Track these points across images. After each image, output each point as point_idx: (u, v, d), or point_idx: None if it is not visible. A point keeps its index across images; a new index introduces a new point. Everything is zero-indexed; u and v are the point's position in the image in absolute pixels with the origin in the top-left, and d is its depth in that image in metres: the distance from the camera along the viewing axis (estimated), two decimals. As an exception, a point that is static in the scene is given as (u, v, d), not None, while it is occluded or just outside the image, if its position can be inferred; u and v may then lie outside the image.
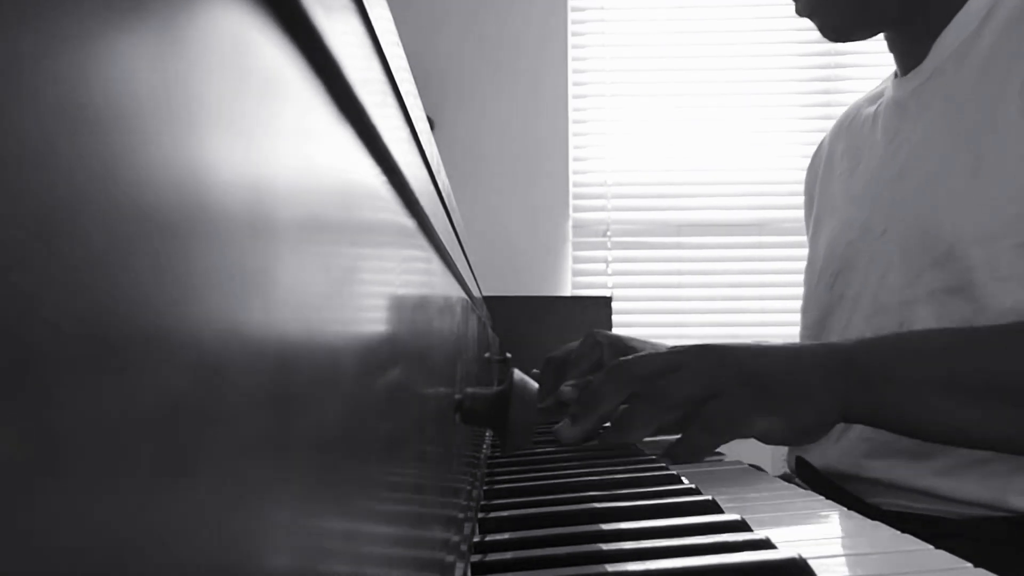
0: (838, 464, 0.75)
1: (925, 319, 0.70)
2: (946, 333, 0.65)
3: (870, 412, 0.63)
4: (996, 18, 0.73)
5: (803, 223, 1.06)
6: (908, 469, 0.69)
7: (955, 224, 0.69)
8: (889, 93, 0.85)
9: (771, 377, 0.62)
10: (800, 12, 0.83)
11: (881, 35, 0.85)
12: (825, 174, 0.96)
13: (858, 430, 0.74)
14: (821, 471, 0.78)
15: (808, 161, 1.06)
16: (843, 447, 0.75)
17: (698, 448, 0.65)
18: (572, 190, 2.21)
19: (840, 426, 0.76)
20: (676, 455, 0.65)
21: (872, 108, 0.89)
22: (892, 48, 0.85)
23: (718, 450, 0.79)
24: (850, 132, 0.92)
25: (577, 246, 2.21)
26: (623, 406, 0.68)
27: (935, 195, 0.72)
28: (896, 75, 0.85)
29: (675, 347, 0.70)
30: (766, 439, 0.64)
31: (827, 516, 0.50)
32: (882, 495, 0.72)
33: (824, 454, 0.78)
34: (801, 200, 1.07)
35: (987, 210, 0.67)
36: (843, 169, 0.90)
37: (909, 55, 0.82)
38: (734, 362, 0.64)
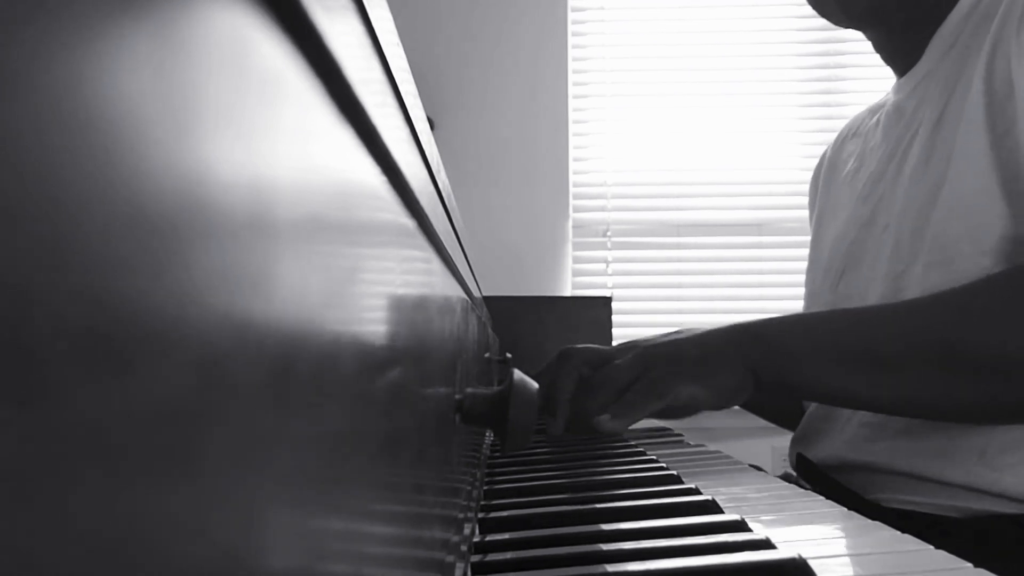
0: (839, 453, 0.76)
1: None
2: (839, 312, 0.76)
3: (777, 379, 0.72)
4: (975, 16, 0.76)
5: (803, 223, 1.08)
6: (906, 452, 0.70)
7: (943, 219, 0.71)
8: (890, 98, 0.87)
9: (689, 353, 0.73)
10: None
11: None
12: (827, 178, 0.98)
13: (858, 418, 0.75)
14: (821, 465, 0.78)
15: (808, 162, 1.08)
16: (845, 436, 0.76)
17: (625, 414, 0.72)
18: (572, 190, 2.21)
19: (842, 417, 0.77)
20: (611, 422, 0.72)
21: (876, 116, 0.91)
22: (886, 50, 0.87)
23: (718, 449, 0.79)
24: (856, 138, 0.95)
25: (577, 246, 2.21)
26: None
27: (925, 185, 0.74)
28: (897, 80, 0.87)
29: (617, 345, 0.80)
30: (694, 404, 0.72)
31: (827, 516, 0.50)
32: (882, 488, 0.72)
33: (825, 446, 0.78)
34: (801, 200, 1.09)
35: (968, 207, 0.70)
36: (848, 170, 0.92)
37: (907, 57, 0.84)
38: (657, 349, 0.74)
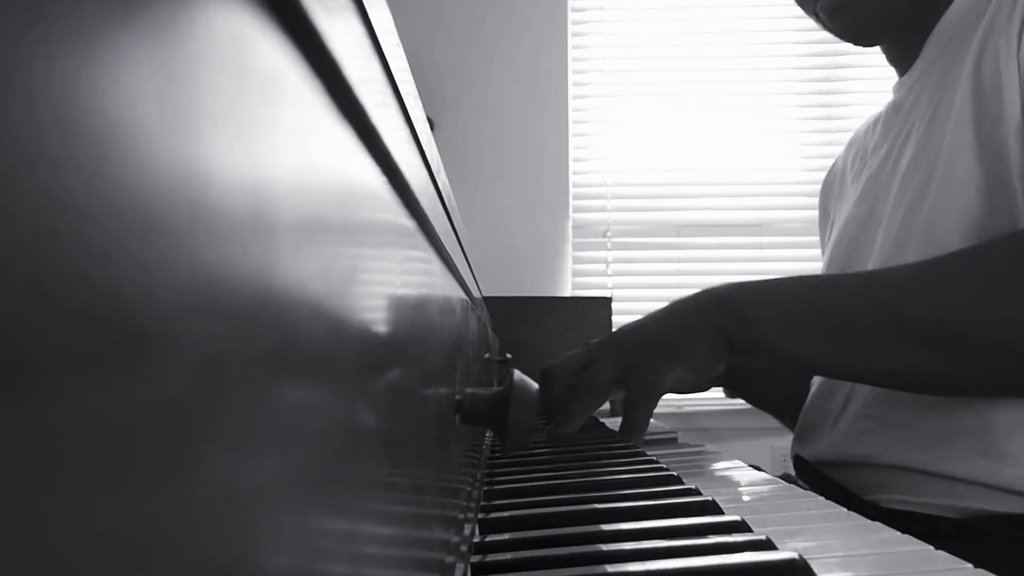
0: (836, 447, 0.76)
1: None
2: (812, 278, 0.75)
3: (748, 344, 0.71)
4: (970, 15, 0.77)
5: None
6: (903, 444, 0.70)
7: (934, 211, 0.71)
8: (890, 97, 0.88)
9: (661, 336, 0.74)
10: (821, 11, 0.84)
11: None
12: (840, 188, 1.00)
13: (852, 411, 0.75)
14: (819, 463, 0.78)
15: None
16: (840, 430, 0.76)
17: (637, 423, 0.74)
18: (572, 190, 2.21)
19: (834, 410, 0.77)
20: (627, 435, 0.75)
21: (878, 118, 0.92)
22: (890, 53, 0.88)
23: (718, 450, 0.79)
24: (861, 140, 0.96)
25: (577, 246, 2.21)
26: None
27: (917, 180, 0.74)
28: (898, 79, 0.88)
29: (587, 343, 0.80)
30: (679, 388, 0.74)
31: (827, 516, 0.50)
32: (880, 487, 0.72)
33: (822, 442, 0.78)
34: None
35: (957, 199, 0.69)
36: (854, 172, 0.94)
37: (905, 57, 0.86)
38: (630, 340, 0.75)
